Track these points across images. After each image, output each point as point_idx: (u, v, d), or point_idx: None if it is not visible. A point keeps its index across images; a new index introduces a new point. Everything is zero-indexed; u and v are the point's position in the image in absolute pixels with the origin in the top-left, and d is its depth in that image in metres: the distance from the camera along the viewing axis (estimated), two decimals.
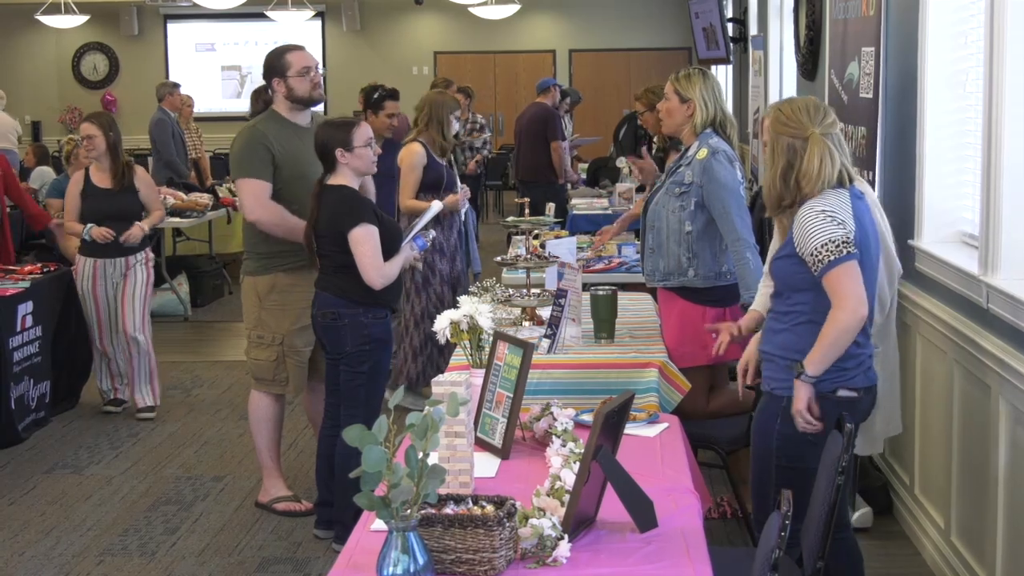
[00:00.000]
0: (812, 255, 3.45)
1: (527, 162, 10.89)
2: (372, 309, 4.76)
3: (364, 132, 4.75)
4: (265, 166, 5.09)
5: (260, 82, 5.44)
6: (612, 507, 3.05)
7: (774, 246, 4.06)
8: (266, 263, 5.21)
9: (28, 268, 7.09)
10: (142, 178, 7.01)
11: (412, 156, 6.81)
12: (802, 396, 3.50)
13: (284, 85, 5.18)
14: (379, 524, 2.83)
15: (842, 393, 3.54)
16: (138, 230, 6.89)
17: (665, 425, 3.95)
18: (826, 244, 3.42)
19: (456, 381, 3.34)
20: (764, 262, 4.27)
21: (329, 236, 4.70)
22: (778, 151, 3.59)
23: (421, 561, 2.50)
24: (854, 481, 4.80)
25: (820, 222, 3.45)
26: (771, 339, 3.68)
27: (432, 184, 6.86)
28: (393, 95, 7.29)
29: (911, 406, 5.03)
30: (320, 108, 5.97)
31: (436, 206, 5.16)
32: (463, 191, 7.11)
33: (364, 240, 4.62)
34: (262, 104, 5.29)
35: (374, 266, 4.64)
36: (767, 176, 3.66)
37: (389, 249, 4.71)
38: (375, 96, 7.21)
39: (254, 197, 5.11)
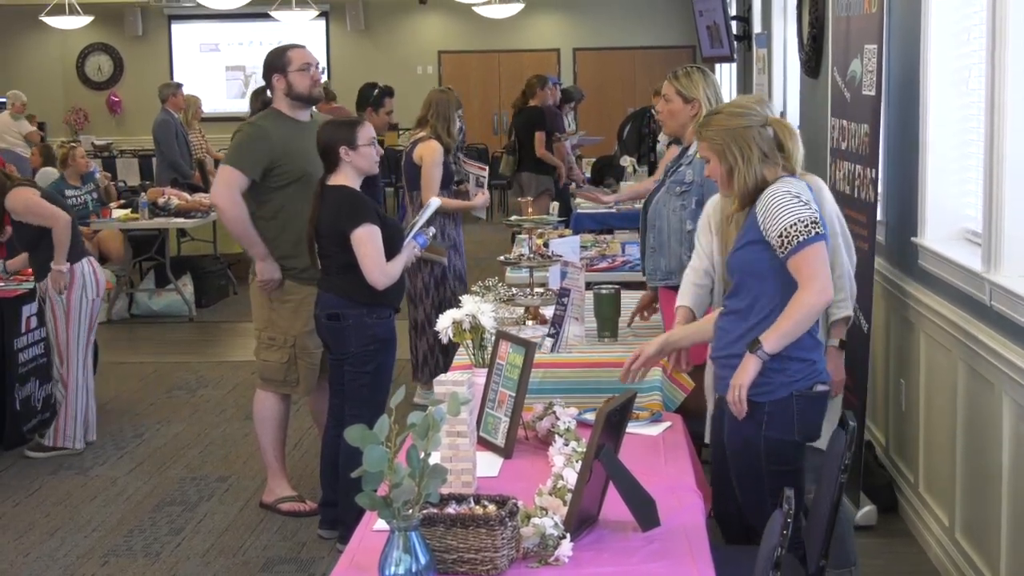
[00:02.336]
0: (781, 235, 3.39)
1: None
2: (376, 309, 4.76)
3: (367, 131, 4.76)
4: (255, 163, 5.10)
5: (264, 82, 5.45)
6: (614, 506, 3.05)
7: (701, 263, 4.08)
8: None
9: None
10: (11, 199, 6.17)
11: (434, 153, 6.83)
12: (750, 371, 3.41)
13: (284, 81, 5.19)
14: (381, 524, 2.83)
15: (819, 388, 3.50)
16: (57, 275, 6.19)
17: (668, 424, 3.95)
18: (795, 224, 3.37)
19: (458, 380, 3.35)
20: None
21: (331, 236, 4.70)
22: (747, 143, 3.51)
23: (423, 561, 2.50)
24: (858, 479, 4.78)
25: (788, 202, 3.41)
26: (735, 343, 3.54)
27: (447, 181, 6.89)
28: (391, 92, 7.32)
29: (915, 404, 5.02)
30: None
31: (435, 203, 5.17)
32: (483, 193, 7.15)
33: (366, 240, 4.62)
34: (260, 104, 5.31)
35: (377, 266, 4.64)
36: (742, 171, 3.52)
37: (391, 248, 4.72)
38: (375, 93, 7.22)
39: (227, 185, 5.16)
